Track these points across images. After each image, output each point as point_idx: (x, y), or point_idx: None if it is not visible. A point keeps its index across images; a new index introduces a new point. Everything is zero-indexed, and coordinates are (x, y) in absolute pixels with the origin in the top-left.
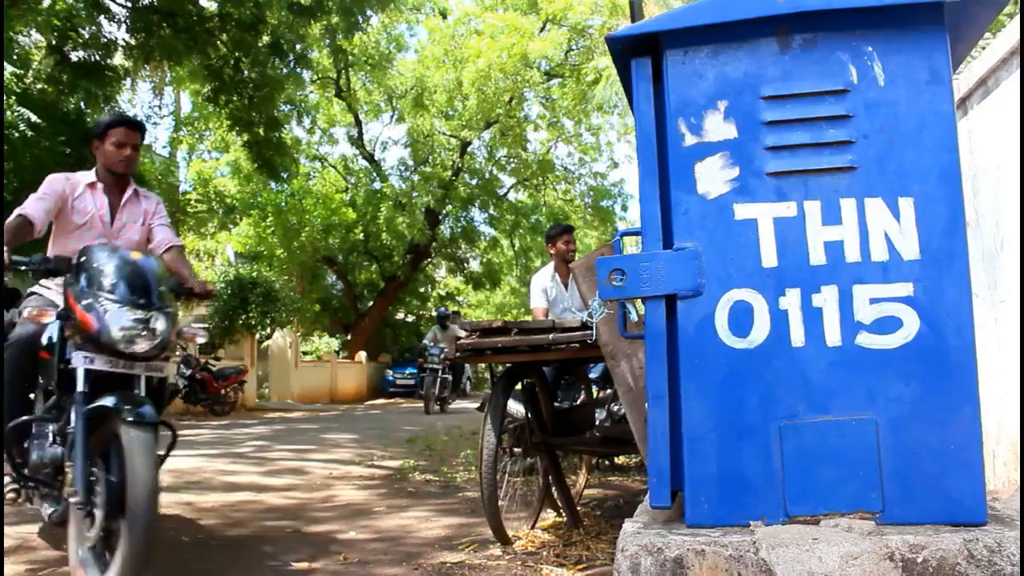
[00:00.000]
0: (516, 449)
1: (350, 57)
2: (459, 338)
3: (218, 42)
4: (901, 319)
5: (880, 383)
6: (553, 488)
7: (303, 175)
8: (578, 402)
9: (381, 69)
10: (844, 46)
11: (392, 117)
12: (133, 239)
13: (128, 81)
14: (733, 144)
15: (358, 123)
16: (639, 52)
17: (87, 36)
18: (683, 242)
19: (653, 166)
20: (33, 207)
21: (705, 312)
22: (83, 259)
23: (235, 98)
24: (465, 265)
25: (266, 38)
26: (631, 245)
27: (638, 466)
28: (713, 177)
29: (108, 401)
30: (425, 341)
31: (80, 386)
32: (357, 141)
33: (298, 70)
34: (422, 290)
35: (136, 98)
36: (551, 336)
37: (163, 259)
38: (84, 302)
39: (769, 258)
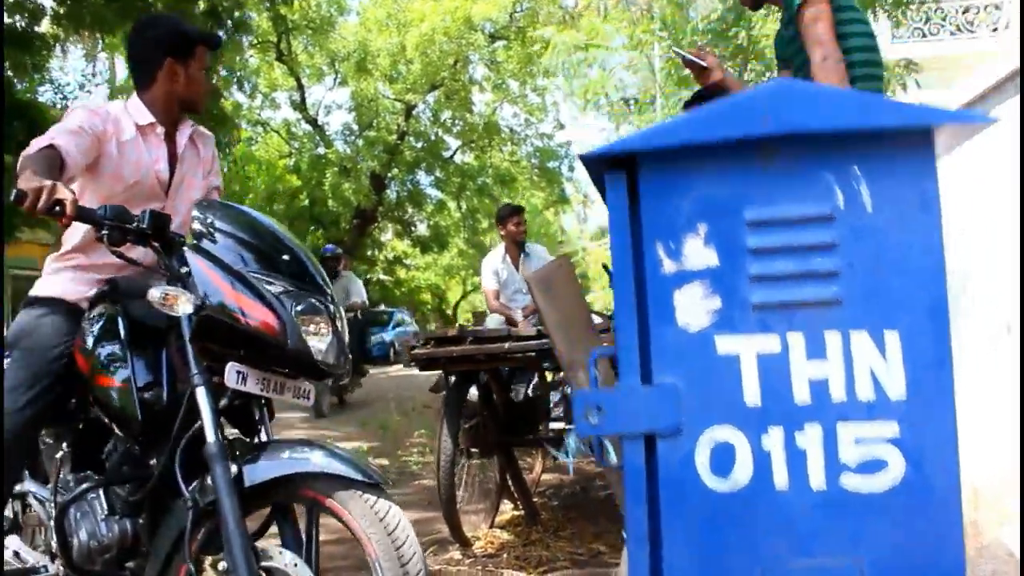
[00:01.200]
0: (473, 449)
1: (290, 22)
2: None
3: (151, 10)
4: (887, 460)
5: (865, 526)
6: (510, 483)
7: (245, 140)
8: (531, 389)
9: (323, 33)
10: (831, 166)
11: (335, 81)
12: (188, 205)
13: (58, 47)
14: (715, 272)
15: (300, 87)
16: (613, 165)
17: (11, 1)
18: (662, 376)
19: (630, 293)
20: (65, 139)
21: (685, 451)
22: (205, 217)
23: None
24: (413, 229)
25: (202, 4)
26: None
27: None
28: (694, 307)
29: (291, 454)
30: None
31: (210, 426)
32: (300, 105)
33: (237, 36)
34: (369, 253)
35: (67, 65)
36: (507, 345)
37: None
38: (239, 287)
39: (752, 395)
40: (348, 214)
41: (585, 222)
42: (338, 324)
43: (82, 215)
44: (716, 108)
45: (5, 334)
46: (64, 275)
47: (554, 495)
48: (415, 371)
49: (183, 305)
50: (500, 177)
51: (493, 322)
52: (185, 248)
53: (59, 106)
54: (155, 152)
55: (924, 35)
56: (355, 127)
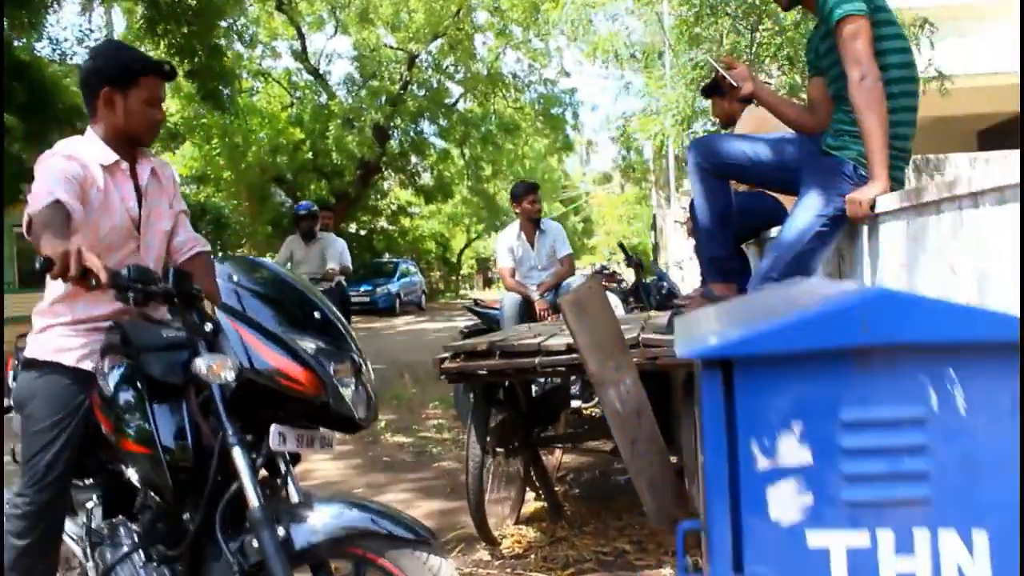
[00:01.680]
0: (499, 450)
1: None
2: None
3: None
4: None
5: None
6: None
7: (246, 91)
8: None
9: None
10: (926, 369)
11: (336, 29)
12: (160, 237)
13: (54, 2)
14: (808, 470)
15: (301, 37)
16: (709, 364)
17: None
18: (754, 567)
19: (724, 487)
20: (65, 192)
21: None
22: (232, 275)
23: (173, 26)
24: (417, 178)
25: None
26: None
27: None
28: (786, 503)
29: (336, 512)
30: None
31: (251, 490)
32: (301, 55)
33: None
34: (372, 203)
35: (63, 20)
36: (537, 360)
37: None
38: (276, 348)
39: None
40: (352, 167)
41: (588, 163)
42: (364, 377)
43: (114, 282)
44: (811, 316)
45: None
46: (55, 333)
47: (574, 481)
48: (424, 324)
49: (227, 372)
50: (504, 125)
51: (509, 300)
52: (218, 310)
53: (58, 62)
54: (123, 190)
55: None
56: (358, 78)
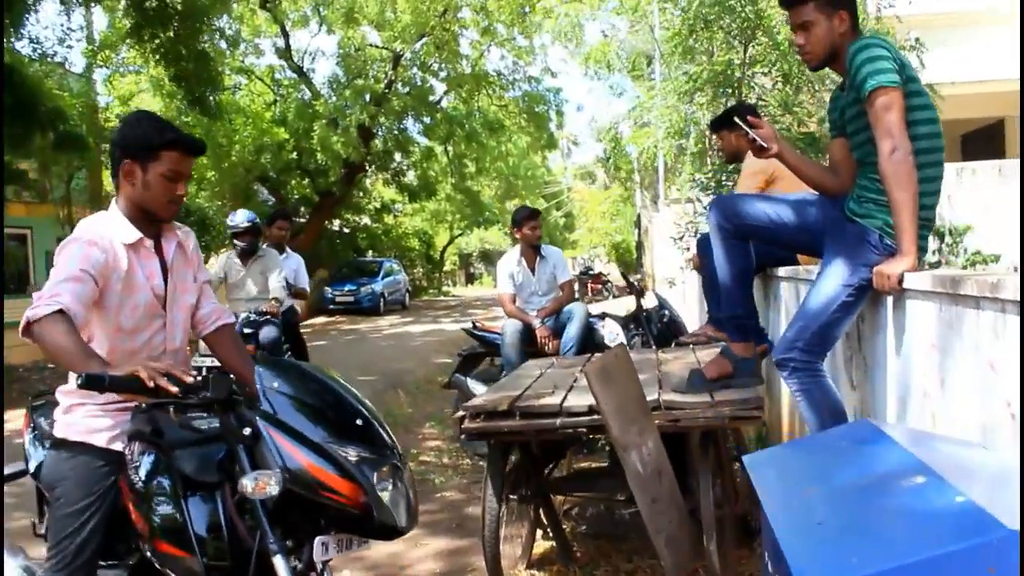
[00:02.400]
0: (512, 496)
1: None
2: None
3: None
4: None
5: None
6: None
7: (228, 89)
8: None
9: None
10: None
11: (320, 27)
12: (185, 311)
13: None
14: None
15: (284, 34)
16: None
17: None
18: None
19: None
20: (70, 296)
21: None
22: (271, 381)
23: (160, 30)
24: (401, 176)
25: None
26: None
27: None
28: None
29: None
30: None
31: None
32: (284, 53)
33: None
34: (356, 201)
35: (42, 18)
36: (558, 422)
37: (213, 345)
38: (319, 460)
39: None
40: (337, 165)
41: (569, 157)
42: (404, 478)
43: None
44: (935, 556)
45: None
46: (84, 412)
47: (580, 516)
48: (409, 325)
49: (272, 488)
50: (488, 123)
51: (510, 327)
52: (258, 419)
53: (39, 61)
54: (148, 267)
55: None
56: (343, 77)
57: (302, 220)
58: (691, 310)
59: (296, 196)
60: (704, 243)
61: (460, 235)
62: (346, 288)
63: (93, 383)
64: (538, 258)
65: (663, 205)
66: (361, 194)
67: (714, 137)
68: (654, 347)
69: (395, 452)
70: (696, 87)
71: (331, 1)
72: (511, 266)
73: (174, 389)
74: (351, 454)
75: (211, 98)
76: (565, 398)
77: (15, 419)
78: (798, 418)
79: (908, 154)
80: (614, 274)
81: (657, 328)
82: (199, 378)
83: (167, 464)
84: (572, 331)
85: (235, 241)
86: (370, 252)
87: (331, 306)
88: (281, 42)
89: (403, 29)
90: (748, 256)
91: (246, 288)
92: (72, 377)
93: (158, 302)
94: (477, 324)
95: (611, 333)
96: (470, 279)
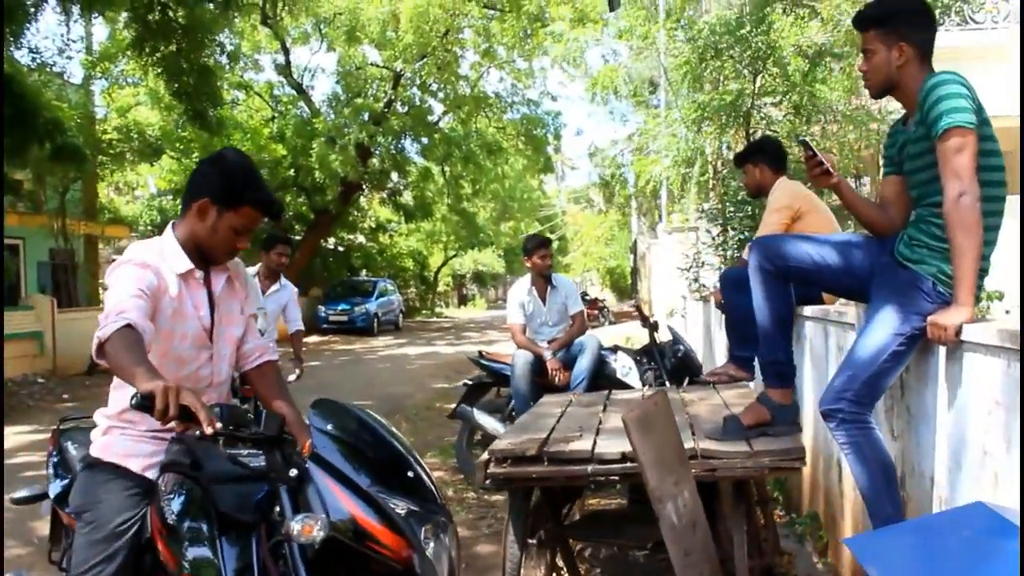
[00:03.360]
0: (531, 541)
1: None
2: None
3: None
4: None
5: None
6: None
7: (227, 104)
8: None
9: None
10: None
11: (321, 45)
12: (231, 344)
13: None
14: None
15: (285, 51)
16: None
17: None
18: None
19: None
20: (136, 312)
21: None
22: (325, 423)
23: (163, 45)
24: (397, 196)
25: None
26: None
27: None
28: None
29: None
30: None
31: None
32: (284, 69)
33: (229, 12)
34: (351, 219)
35: (42, 28)
36: (589, 468)
37: (255, 382)
38: (367, 510)
39: None
40: (334, 184)
41: (563, 180)
42: (448, 538)
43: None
44: None
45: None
46: (122, 435)
47: (592, 558)
48: (404, 347)
49: (317, 533)
50: (486, 144)
51: (521, 358)
52: (309, 461)
53: (37, 71)
54: (196, 298)
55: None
56: (342, 95)
57: (297, 238)
58: (695, 341)
59: (292, 213)
60: (728, 280)
61: (454, 256)
62: (340, 307)
63: (139, 401)
64: (549, 288)
65: (664, 233)
66: (357, 213)
67: (714, 166)
68: (667, 383)
69: (442, 507)
70: (704, 116)
71: (333, 19)
72: (522, 295)
73: (175, 424)
74: (400, 506)
75: (211, 113)
76: (595, 443)
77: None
78: (821, 464)
79: (977, 200)
80: (609, 299)
81: (671, 363)
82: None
83: (203, 501)
84: (584, 364)
85: None
86: (364, 271)
87: (324, 325)
88: (281, 58)
89: (404, 48)
90: (789, 299)
91: None
92: (112, 401)
93: (205, 334)
94: (484, 353)
95: (623, 367)
96: (463, 300)
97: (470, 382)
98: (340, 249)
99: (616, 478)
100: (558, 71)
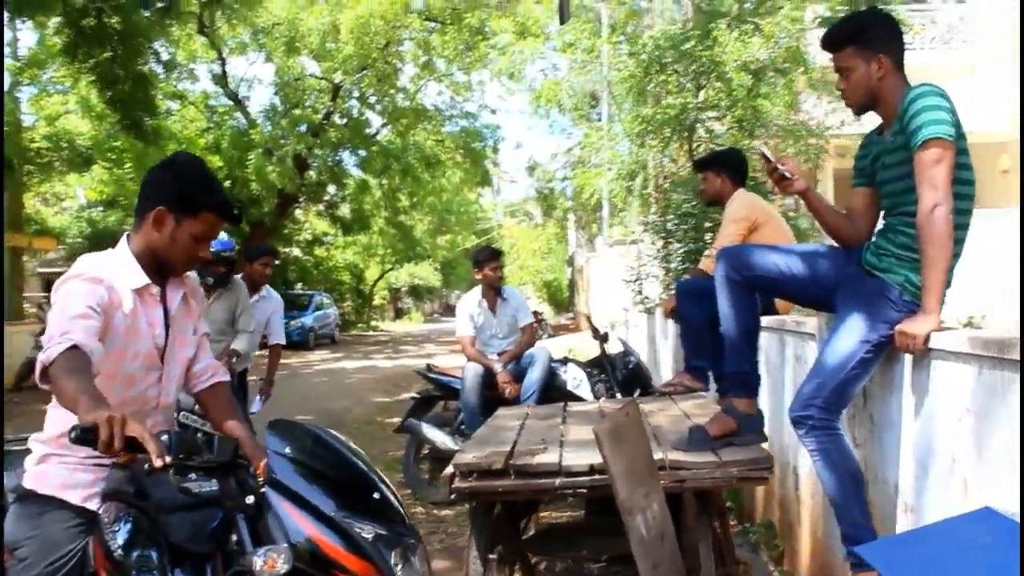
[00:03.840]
0: (491, 556)
1: None
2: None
3: None
4: None
5: None
6: None
7: (161, 114)
8: None
9: (250, 6)
10: None
11: (259, 55)
12: (182, 365)
13: None
14: None
15: (222, 61)
16: None
17: None
18: None
19: None
20: (83, 333)
21: None
22: (283, 446)
23: (97, 52)
24: (335, 209)
25: None
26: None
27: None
28: None
29: None
30: None
31: None
32: (220, 79)
33: (167, 21)
34: (287, 232)
35: None
36: (557, 482)
37: (206, 403)
38: (333, 537)
39: None
40: (271, 196)
41: (499, 194)
42: (419, 560)
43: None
44: None
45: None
46: (60, 464)
47: (548, 570)
48: (341, 361)
49: (281, 566)
50: (425, 157)
51: (471, 371)
52: (269, 487)
53: None
54: (152, 315)
55: None
56: (280, 106)
57: None
58: (639, 352)
59: (226, 227)
60: (684, 290)
61: (391, 269)
62: None
63: (79, 434)
64: (499, 300)
65: (605, 246)
66: (293, 225)
67: (656, 180)
68: (619, 395)
69: (411, 528)
70: (648, 129)
71: (271, 29)
72: (471, 307)
73: (120, 457)
74: (367, 531)
75: (147, 122)
76: (562, 455)
77: None
78: (777, 472)
79: (950, 213)
80: (547, 312)
81: (622, 374)
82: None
83: (151, 531)
84: (534, 376)
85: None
86: (300, 285)
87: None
88: (218, 68)
89: (344, 60)
90: (755, 310)
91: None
92: (49, 423)
93: (157, 353)
94: (432, 366)
95: (574, 379)
96: (399, 314)
97: (418, 395)
98: (275, 262)
99: (584, 490)
100: (497, 85)
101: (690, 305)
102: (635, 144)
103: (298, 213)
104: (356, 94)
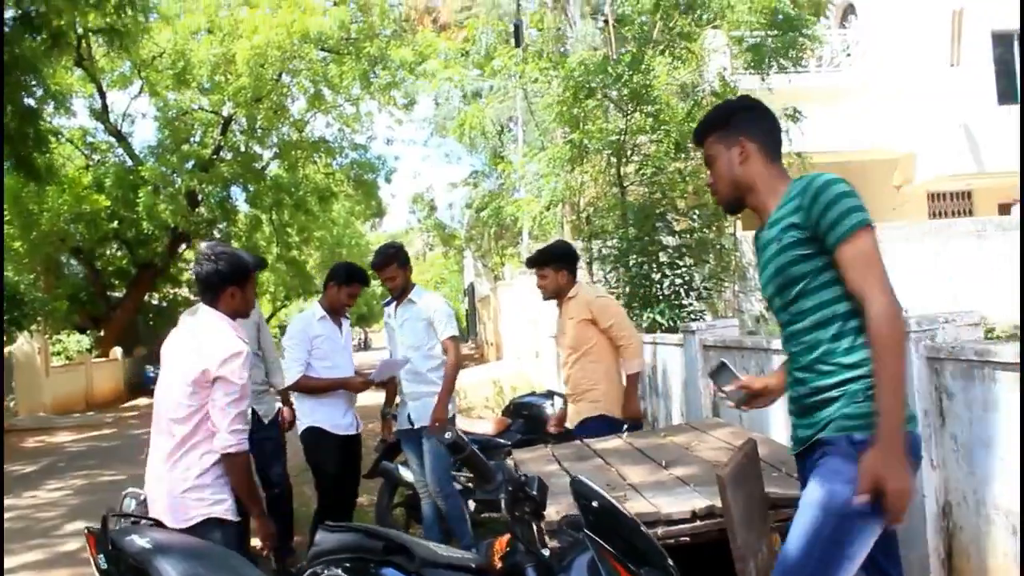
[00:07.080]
0: None
1: (90, 20)
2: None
3: None
4: None
5: None
6: None
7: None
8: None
9: (130, 37)
10: None
11: (141, 88)
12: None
13: None
14: None
15: (101, 94)
16: None
17: None
18: None
19: None
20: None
21: None
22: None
23: None
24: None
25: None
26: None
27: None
28: None
29: None
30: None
31: None
32: (100, 114)
33: (53, 51)
34: (173, 271)
35: None
36: (659, 531)
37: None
38: None
39: None
40: (163, 235)
41: (379, 229)
42: None
43: None
44: None
45: None
46: None
47: None
48: None
49: None
50: (317, 191)
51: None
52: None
53: None
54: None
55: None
56: (168, 141)
57: (118, 295)
58: (554, 382)
59: (111, 268)
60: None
61: (283, 307)
62: None
63: None
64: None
65: (519, 273)
66: (182, 265)
67: (577, 206)
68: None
69: None
70: (580, 154)
71: (151, 62)
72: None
73: None
74: None
75: (38, 159)
76: (654, 503)
77: None
78: None
79: (901, 311)
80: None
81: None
82: None
83: None
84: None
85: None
86: None
87: (152, 386)
88: (97, 102)
89: (236, 92)
90: None
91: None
92: None
93: None
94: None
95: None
96: None
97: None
98: (164, 305)
99: (687, 539)
100: (387, 115)
101: None
102: (564, 171)
103: (187, 253)
104: (246, 126)
